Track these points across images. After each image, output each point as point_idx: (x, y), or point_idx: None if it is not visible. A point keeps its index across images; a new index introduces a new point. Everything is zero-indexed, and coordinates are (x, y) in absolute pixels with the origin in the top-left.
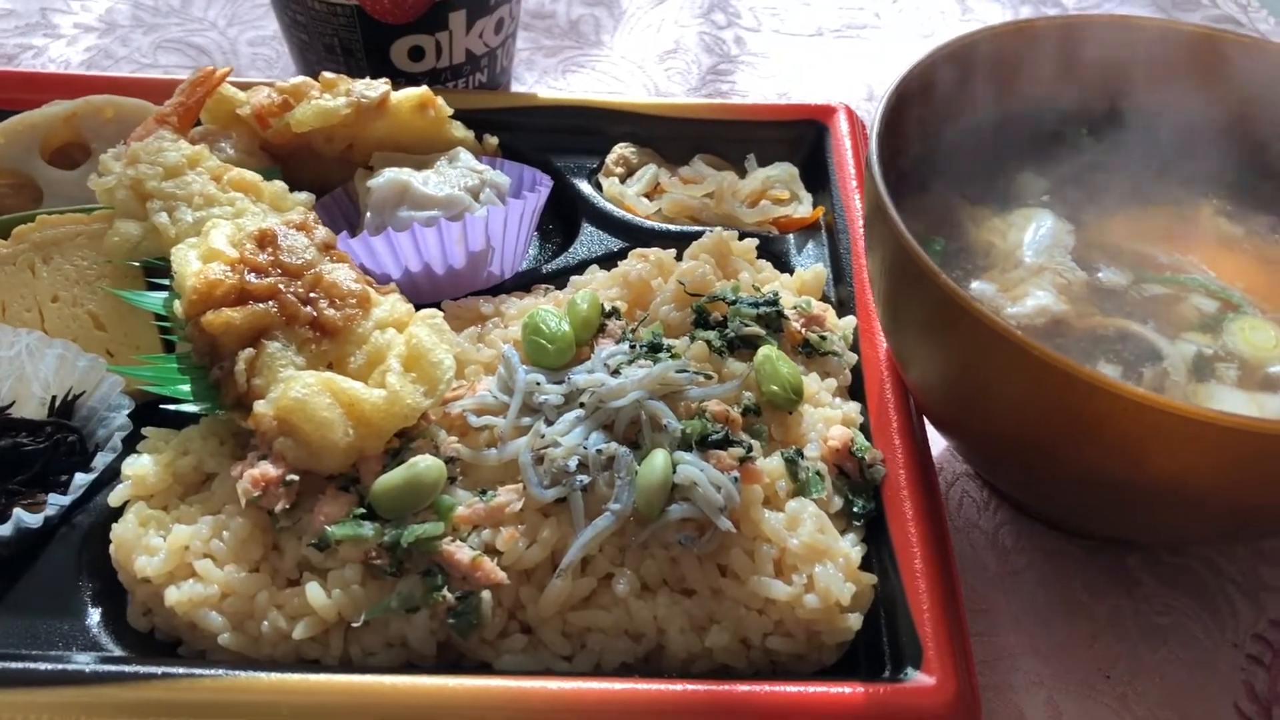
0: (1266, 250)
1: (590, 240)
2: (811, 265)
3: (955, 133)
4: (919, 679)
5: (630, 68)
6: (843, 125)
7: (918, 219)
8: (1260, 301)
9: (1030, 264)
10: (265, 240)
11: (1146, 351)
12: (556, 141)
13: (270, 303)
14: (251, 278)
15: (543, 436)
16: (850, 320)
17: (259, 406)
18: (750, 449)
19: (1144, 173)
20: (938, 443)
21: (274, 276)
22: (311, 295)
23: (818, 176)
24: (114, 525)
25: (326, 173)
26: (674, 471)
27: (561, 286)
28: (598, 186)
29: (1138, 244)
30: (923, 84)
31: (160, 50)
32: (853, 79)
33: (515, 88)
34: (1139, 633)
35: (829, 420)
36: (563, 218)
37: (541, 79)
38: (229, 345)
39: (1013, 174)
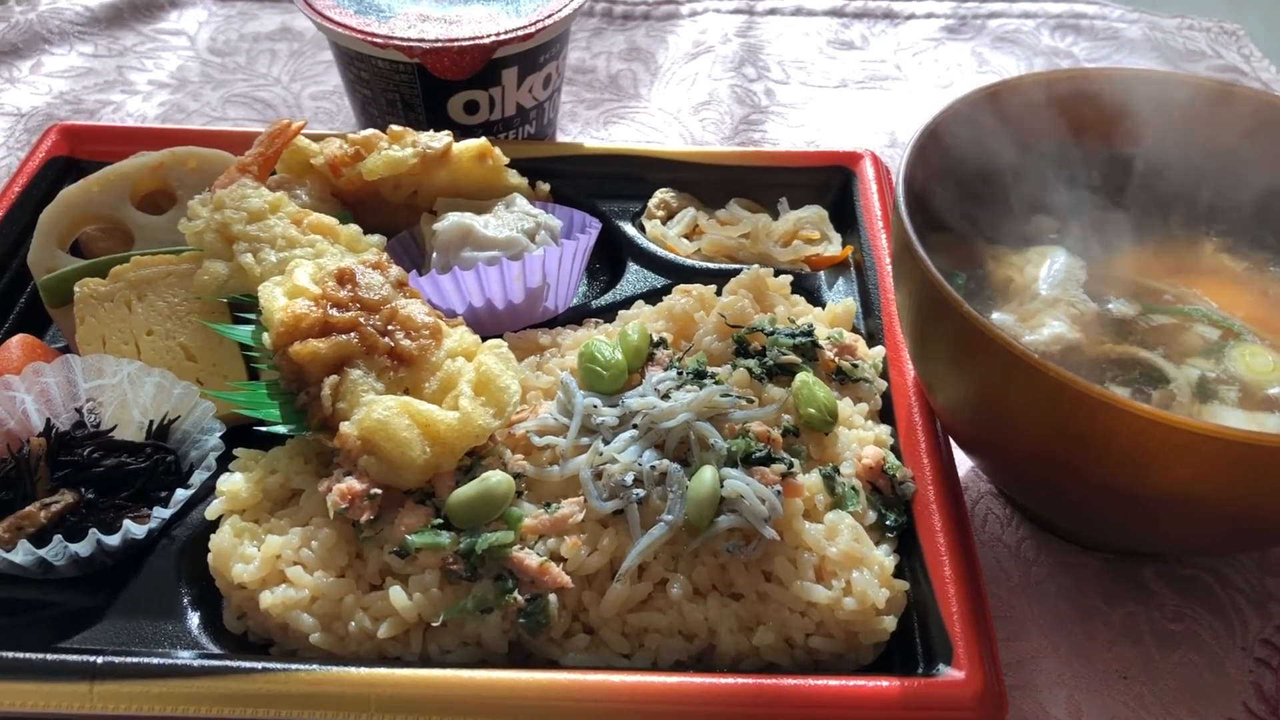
0: (1264, 283)
1: (635, 278)
2: (842, 299)
3: (974, 176)
4: (950, 674)
5: (667, 118)
6: (869, 170)
7: (941, 256)
8: (1259, 330)
9: (1046, 296)
10: (345, 278)
11: (1154, 375)
12: (602, 187)
13: (351, 334)
14: (334, 312)
15: (601, 454)
16: (879, 350)
17: (344, 427)
18: (791, 466)
19: (1150, 213)
20: (963, 464)
21: (354, 311)
22: (389, 328)
23: (846, 218)
24: (212, 536)
25: (391, 217)
26: (721, 486)
27: (610, 320)
28: (641, 228)
29: (1145, 278)
30: (944, 132)
31: (229, 104)
32: (876, 127)
33: (560, 138)
34: (1153, 638)
35: (862, 441)
36: (609, 257)
37: (584, 130)
38: (315, 373)
39: (1028, 215)
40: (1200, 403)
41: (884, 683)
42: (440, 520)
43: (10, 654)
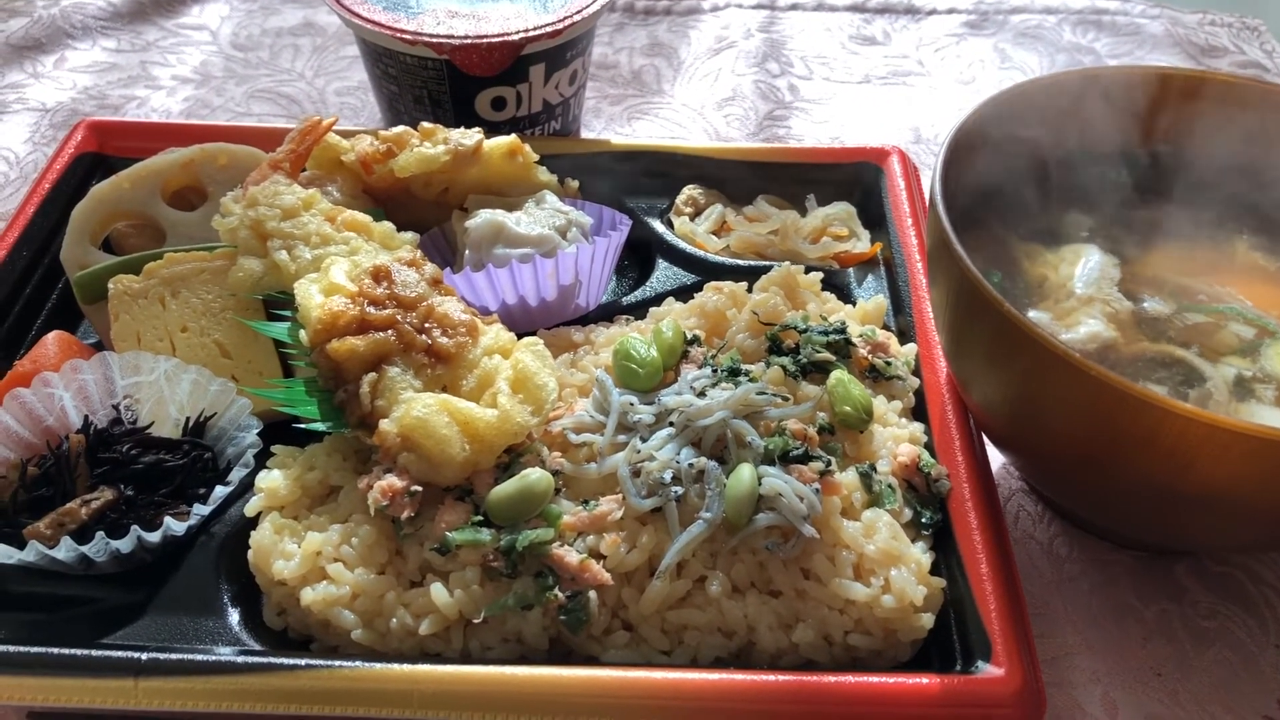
0: None
1: (665, 275)
2: (872, 297)
3: (1007, 174)
4: (989, 670)
5: (690, 114)
6: (896, 167)
7: (975, 254)
8: None
9: (1081, 295)
10: (381, 275)
11: (1190, 374)
12: (629, 183)
13: (389, 332)
14: (370, 309)
15: (638, 452)
16: (911, 347)
17: (384, 425)
18: (829, 463)
19: (1183, 211)
20: (994, 460)
21: (390, 308)
22: (425, 325)
23: (873, 214)
24: (252, 533)
25: (423, 214)
26: (759, 484)
27: (641, 317)
28: (669, 225)
29: (1179, 276)
30: (978, 130)
31: (253, 100)
32: (900, 123)
33: (584, 134)
34: (1187, 635)
35: (897, 438)
36: (638, 254)
37: (608, 125)
38: (353, 370)
39: (1061, 213)
40: (1237, 401)
41: (924, 680)
42: (480, 517)
43: (56, 650)
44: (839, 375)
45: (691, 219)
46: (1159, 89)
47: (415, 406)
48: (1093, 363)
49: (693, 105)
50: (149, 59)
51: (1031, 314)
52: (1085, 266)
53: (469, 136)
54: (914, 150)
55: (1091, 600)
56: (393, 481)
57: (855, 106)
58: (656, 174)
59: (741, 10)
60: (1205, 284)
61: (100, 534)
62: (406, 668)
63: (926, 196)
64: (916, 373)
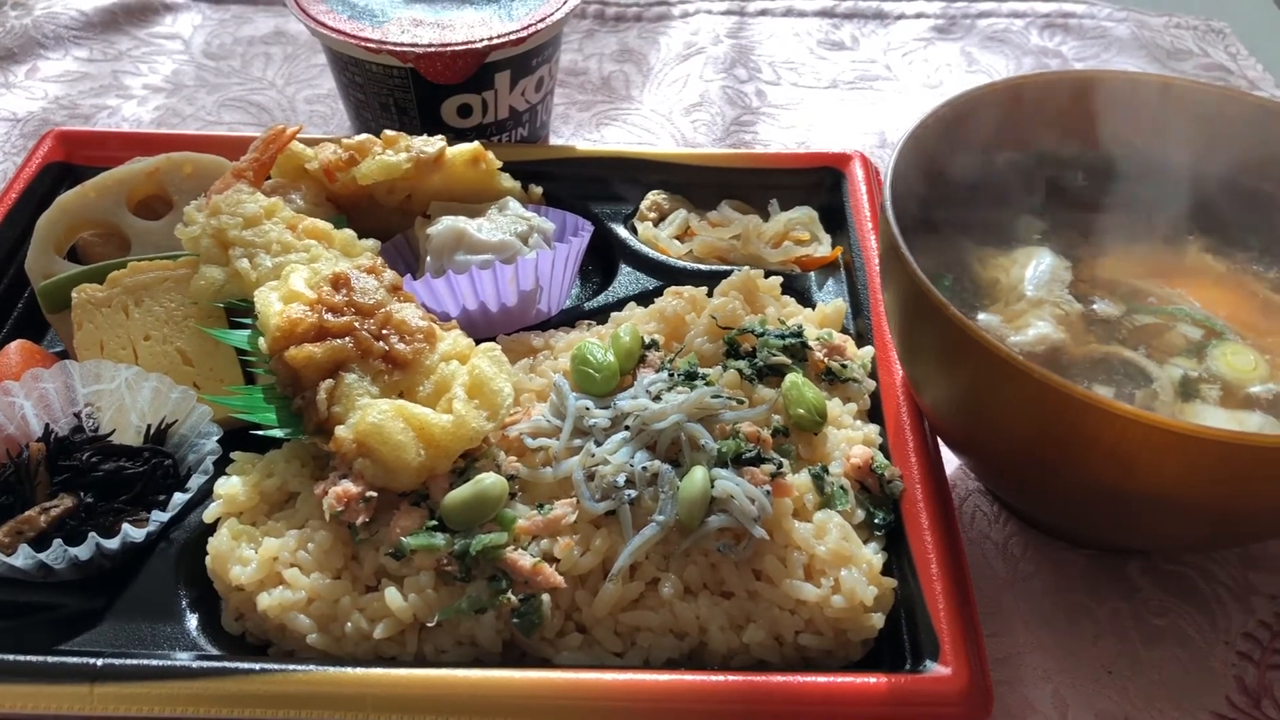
0: (1247, 283)
1: (628, 280)
2: (832, 300)
3: (961, 178)
4: (936, 669)
5: (659, 120)
6: (858, 171)
7: (928, 258)
8: (1241, 329)
9: (1031, 297)
10: (339, 283)
11: (1137, 375)
12: (594, 190)
13: (346, 339)
14: (329, 317)
15: (593, 456)
16: (869, 350)
17: (340, 431)
18: (781, 466)
19: (1135, 214)
20: (951, 462)
21: (349, 315)
22: (383, 331)
23: (836, 219)
24: (210, 539)
25: (386, 221)
26: (712, 486)
27: (603, 322)
28: (633, 230)
29: (1130, 278)
30: (931, 135)
31: (223, 108)
32: (866, 127)
33: (553, 140)
34: (1138, 633)
35: (851, 440)
36: (601, 259)
37: (577, 132)
38: (310, 377)
39: (1014, 216)
40: (1183, 401)
41: (871, 679)
42: (435, 522)
43: (11, 657)
44: (793, 378)
45: (655, 224)
46: (1111, 92)
47: (371, 412)
48: (1035, 365)
49: (661, 111)
50: (121, 68)
51: (981, 317)
52: (1036, 269)
53: (431, 144)
54: (879, 154)
55: (1045, 599)
56: (347, 487)
57: (822, 111)
58: (621, 180)
59: (711, 16)
60: (1156, 286)
61: (58, 541)
62: (360, 671)
63: None
64: (874, 375)
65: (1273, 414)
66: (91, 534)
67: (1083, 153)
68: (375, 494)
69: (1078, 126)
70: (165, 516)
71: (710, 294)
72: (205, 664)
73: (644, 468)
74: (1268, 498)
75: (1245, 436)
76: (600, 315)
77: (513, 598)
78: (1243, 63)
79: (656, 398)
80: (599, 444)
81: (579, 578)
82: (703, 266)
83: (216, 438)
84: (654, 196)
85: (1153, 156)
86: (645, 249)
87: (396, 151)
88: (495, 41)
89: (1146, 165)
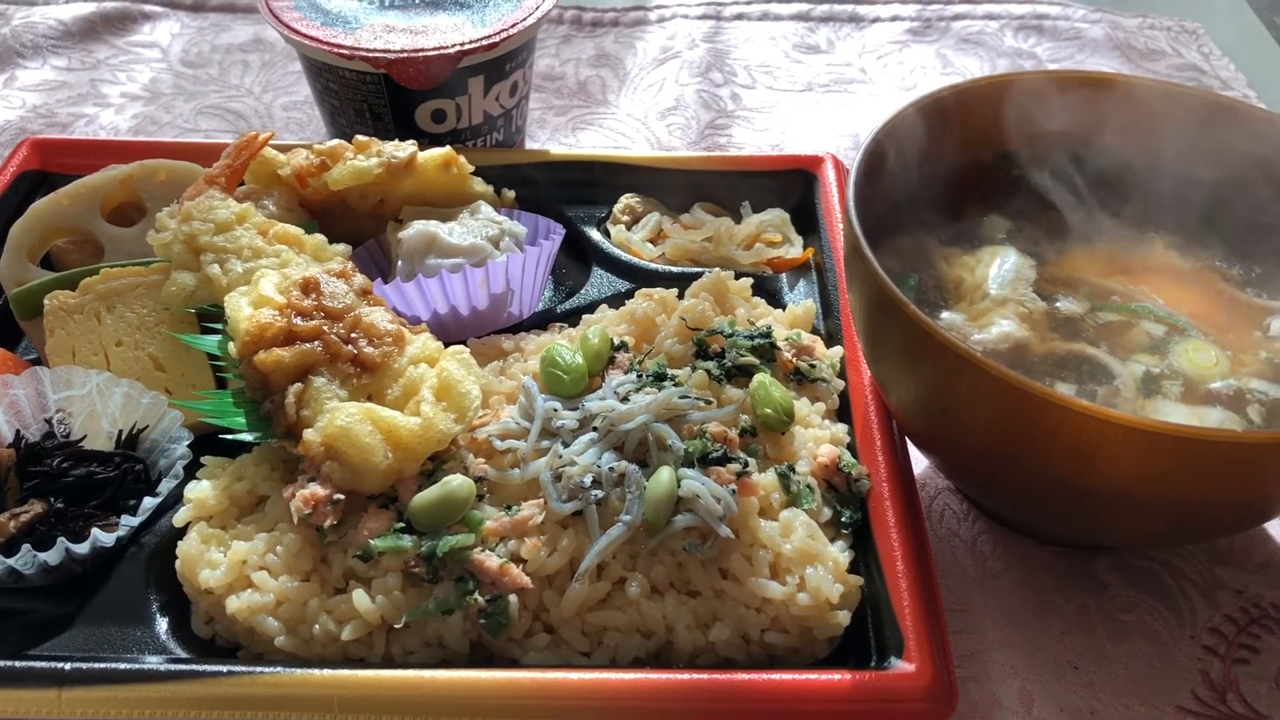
0: (1210, 280)
1: (600, 282)
2: (802, 301)
3: (927, 179)
4: (900, 666)
5: (634, 124)
6: (830, 174)
7: (894, 257)
8: (1203, 326)
9: (996, 296)
10: (309, 287)
11: (1100, 372)
12: (568, 193)
13: (315, 343)
14: (298, 321)
15: (560, 457)
16: (838, 350)
17: (308, 434)
18: (747, 465)
19: (1100, 212)
20: (921, 460)
21: (318, 319)
22: (352, 335)
23: (807, 220)
24: (179, 543)
25: (359, 226)
26: (679, 486)
27: (575, 324)
28: (606, 233)
29: (1095, 276)
30: (896, 136)
31: (201, 116)
32: (840, 130)
33: (529, 144)
34: (1105, 628)
35: (818, 440)
36: (575, 262)
37: (553, 136)
38: (279, 381)
39: (980, 215)
40: (1145, 398)
41: (836, 676)
42: (403, 524)
43: None
44: (761, 378)
45: (628, 227)
46: (1076, 92)
47: (338, 416)
48: (993, 363)
49: (636, 115)
50: (99, 77)
51: (946, 315)
52: (1001, 268)
53: (402, 149)
54: (852, 157)
55: (1013, 596)
56: (315, 490)
57: (797, 114)
58: (595, 183)
59: (688, 20)
60: (1120, 283)
61: (27, 546)
62: (327, 673)
63: None
64: (843, 375)
65: (1233, 409)
66: (61, 539)
67: (1048, 152)
68: (343, 496)
69: (1042, 126)
70: (135, 521)
71: (681, 296)
72: (174, 667)
73: (611, 468)
74: (1224, 492)
75: (1198, 431)
76: (573, 318)
77: (480, 598)
78: (1215, 63)
79: (625, 399)
80: (566, 445)
81: (546, 578)
82: (675, 269)
83: (187, 442)
84: (627, 200)
85: (1117, 155)
86: (618, 252)
87: (368, 157)
88: (467, 47)
89: (1111, 164)
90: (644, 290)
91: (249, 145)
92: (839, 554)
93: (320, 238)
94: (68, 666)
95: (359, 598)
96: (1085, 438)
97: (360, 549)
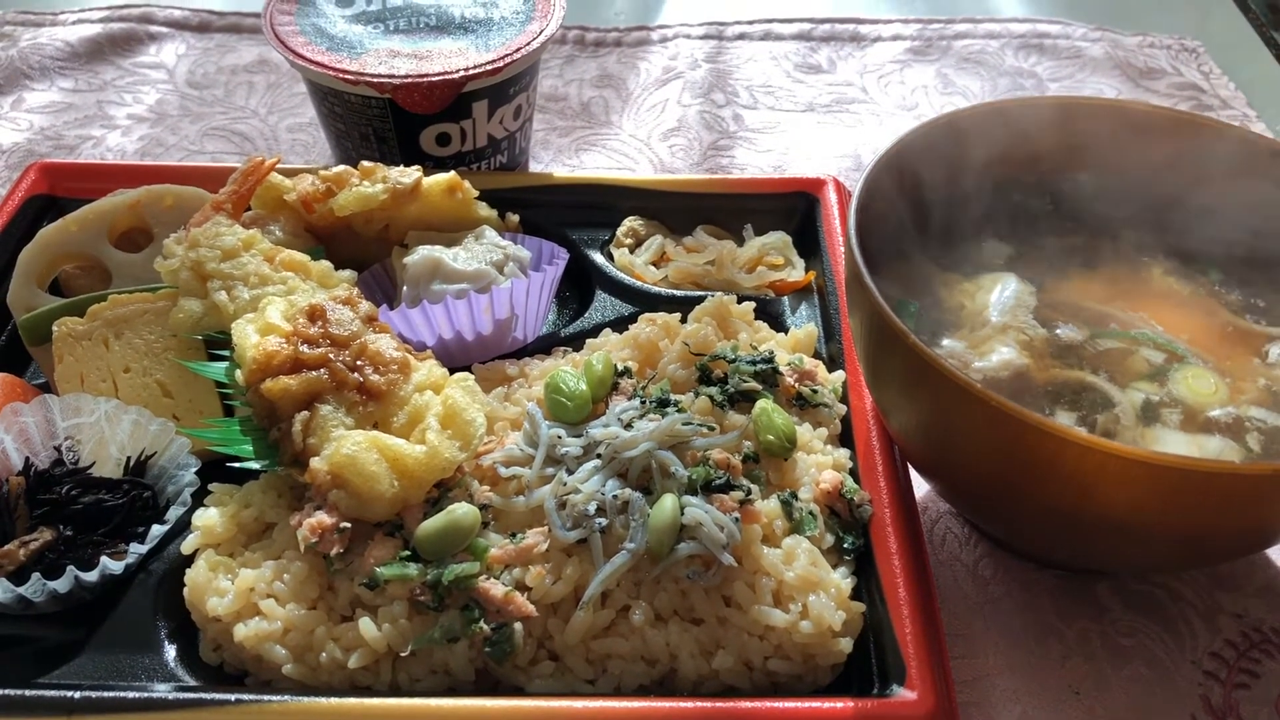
0: (1209, 307)
1: (604, 306)
2: (804, 325)
3: (928, 204)
4: (903, 694)
5: (638, 145)
6: (831, 196)
7: (895, 284)
8: (1202, 353)
9: (996, 323)
10: (315, 315)
11: (1100, 399)
12: (571, 216)
13: (322, 370)
14: (304, 348)
15: (565, 484)
16: (840, 375)
17: (314, 463)
18: (750, 492)
19: (1099, 238)
20: (923, 486)
21: (324, 347)
22: (358, 363)
23: (809, 243)
24: (187, 570)
25: (365, 251)
26: (682, 513)
27: (579, 349)
28: (609, 256)
29: (1093, 303)
30: (898, 162)
31: (206, 138)
32: (842, 150)
33: (533, 166)
34: (1106, 653)
35: (821, 465)
36: (578, 285)
37: (557, 157)
38: (286, 409)
39: (980, 241)
40: (1144, 426)
41: (838, 704)
42: (409, 552)
43: None
44: (764, 404)
45: (631, 250)
46: (1079, 118)
47: (345, 444)
48: (992, 393)
49: (639, 136)
50: (105, 98)
51: (946, 343)
52: (1001, 294)
53: (407, 175)
54: (854, 178)
55: (1013, 621)
56: (322, 518)
57: (798, 135)
58: (598, 206)
59: (690, 40)
60: (1120, 310)
61: (36, 575)
62: (335, 701)
63: None
64: (845, 400)
65: (1231, 437)
66: (70, 567)
67: (1048, 177)
68: (349, 525)
69: (1043, 151)
70: (144, 549)
71: (684, 320)
72: (182, 695)
73: (615, 496)
74: (1223, 521)
75: (1197, 463)
76: (576, 342)
77: (485, 626)
78: (1215, 81)
79: (628, 425)
80: (571, 472)
81: (551, 606)
82: (677, 292)
83: (195, 469)
84: (630, 223)
85: (1117, 181)
86: (621, 275)
87: (373, 182)
88: (471, 72)
89: (1111, 190)
90: (647, 315)
91: (255, 170)
92: (841, 580)
93: (326, 264)
94: (77, 695)
95: (365, 625)
96: (1084, 468)
97: (366, 577)
